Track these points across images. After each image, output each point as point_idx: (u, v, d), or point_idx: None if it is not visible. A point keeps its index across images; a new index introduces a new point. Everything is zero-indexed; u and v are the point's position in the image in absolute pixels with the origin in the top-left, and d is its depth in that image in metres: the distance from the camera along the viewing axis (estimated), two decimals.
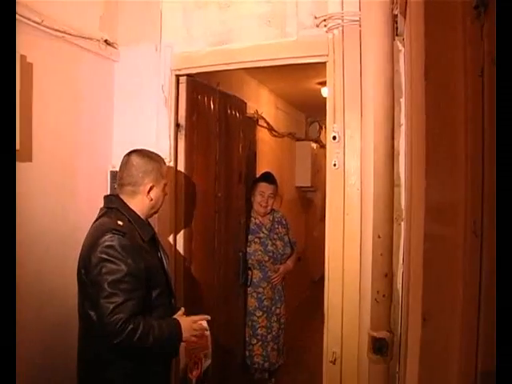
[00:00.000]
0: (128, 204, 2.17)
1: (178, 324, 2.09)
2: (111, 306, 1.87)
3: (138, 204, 2.19)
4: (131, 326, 1.88)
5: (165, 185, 2.28)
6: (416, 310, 1.11)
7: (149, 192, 2.19)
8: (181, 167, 2.99)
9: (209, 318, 2.24)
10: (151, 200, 2.20)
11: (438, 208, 1.03)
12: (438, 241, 1.02)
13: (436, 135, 1.01)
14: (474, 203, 0.94)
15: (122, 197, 2.20)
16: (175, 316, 2.18)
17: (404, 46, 2.26)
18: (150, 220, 2.33)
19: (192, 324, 2.15)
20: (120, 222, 2.06)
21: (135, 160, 2.20)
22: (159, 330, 1.99)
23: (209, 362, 2.32)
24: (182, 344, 2.18)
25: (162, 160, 2.32)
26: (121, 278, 1.92)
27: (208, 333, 2.29)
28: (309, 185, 7.13)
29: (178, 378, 2.23)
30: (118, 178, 2.25)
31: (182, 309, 2.26)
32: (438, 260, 1.01)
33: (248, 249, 3.78)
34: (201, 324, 2.18)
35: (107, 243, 1.96)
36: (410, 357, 1.27)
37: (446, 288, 1.00)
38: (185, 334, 2.10)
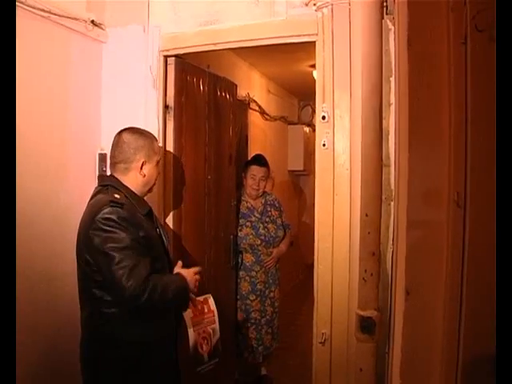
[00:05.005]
0: (122, 181, 2.17)
1: (183, 277, 2.16)
2: (126, 271, 1.89)
3: (132, 181, 2.18)
4: (151, 285, 1.92)
5: (158, 162, 2.27)
6: (400, 284, 1.10)
7: (141, 168, 2.18)
8: (169, 149, 2.96)
9: (200, 268, 2.32)
10: (144, 176, 2.20)
11: (422, 180, 1.01)
12: (421, 213, 1.01)
13: (419, 105, 0.99)
14: (457, 174, 0.93)
15: (116, 175, 2.20)
16: (176, 269, 2.25)
17: (394, 25, 2.23)
18: None
19: (194, 276, 2.22)
20: (117, 196, 2.07)
21: (126, 137, 2.19)
22: (173, 284, 2.08)
23: (217, 336, 2.34)
24: (190, 321, 2.23)
25: (154, 137, 2.32)
26: (126, 245, 1.93)
27: (214, 308, 2.35)
28: (301, 168, 7.12)
29: (188, 355, 2.23)
30: (110, 157, 2.24)
31: (180, 262, 2.31)
32: (421, 232, 1.00)
33: (239, 233, 3.74)
34: (199, 277, 2.26)
35: (106, 216, 1.96)
36: (395, 332, 1.27)
37: (429, 260, 0.99)
38: (190, 286, 2.17)
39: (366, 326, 1.89)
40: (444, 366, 0.97)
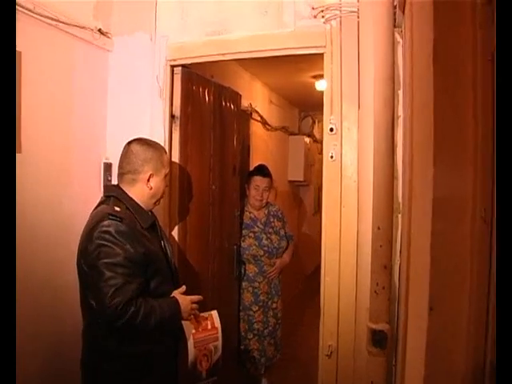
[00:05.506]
0: (127, 192, 2.15)
1: (177, 303, 2.10)
2: (112, 289, 1.85)
3: (138, 192, 2.17)
4: (133, 309, 1.88)
5: (166, 174, 2.25)
6: (421, 299, 1.09)
7: (148, 180, 2.16)
8: (175, 159, 2.96)
9: (201, 297, 2.26)
10: (151, 189, 2.18)
11: (446, 196, 1.01)
12: (445, 228, 1.01)
13: (445, 121, 0.99)
14: (484, 190, 0.92)
15: (122, 185, 2.18)
16: (175, 293, 2.17)
17: (402, 38, 2.24)
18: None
19: (191, 305, 2.17)
20: (117, 208, 2.05)
21: (135, 148, 2.18)
22: (160, 310, 2.00)
23: (219, 353, 2.31)
24: (191, 337, 2.19)
25: (163, 149, 2.30)
26: (119, 262, 1.90)
27: (219, 324, 2.31)
28: (301, 179, 7.11)
29: (187, 370, 2.21)
30: (118, 167, 2.23)
31: (184, 287, 2.24)
32: (446, 248, 1.00)
33: (242, 243, 3.73)
34: (197, 306, 2.22)
35: (104, 229, 1.94)
36: (411, 348, 1.26)
37: (454, 276, 0.99)
38: (183, 315, 2.13)
39: (378, 339, 1.88)
40: (469, 382, 0.96)
